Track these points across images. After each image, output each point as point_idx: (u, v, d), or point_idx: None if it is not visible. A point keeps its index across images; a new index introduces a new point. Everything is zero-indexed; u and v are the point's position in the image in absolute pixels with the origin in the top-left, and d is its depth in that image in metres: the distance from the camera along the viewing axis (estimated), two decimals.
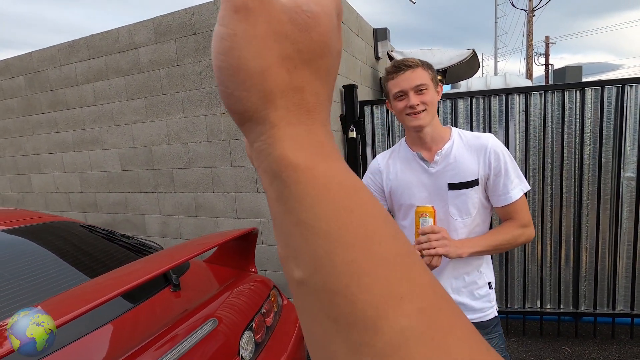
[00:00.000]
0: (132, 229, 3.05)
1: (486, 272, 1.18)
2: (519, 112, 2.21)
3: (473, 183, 1.10)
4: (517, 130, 2.22)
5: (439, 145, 1.12)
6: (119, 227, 3.12)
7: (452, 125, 2.34)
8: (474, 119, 2.26)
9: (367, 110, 2.38)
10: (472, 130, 2.27)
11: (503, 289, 2.39)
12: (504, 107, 2.21)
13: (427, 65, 1.08)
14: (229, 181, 2.56)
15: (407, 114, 1.06)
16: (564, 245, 2.28)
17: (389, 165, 1.21)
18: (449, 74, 3.06)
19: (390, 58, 3.12)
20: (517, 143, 2.23)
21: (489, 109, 2.23)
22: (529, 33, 16.78)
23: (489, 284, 1.17)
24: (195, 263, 1.62)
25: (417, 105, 1.04)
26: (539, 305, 2.36)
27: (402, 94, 1.06)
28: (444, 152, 1.10)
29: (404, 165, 1.17)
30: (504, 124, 2.23)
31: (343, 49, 2.46)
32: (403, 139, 1.21)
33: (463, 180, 1.09)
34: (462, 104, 2.27)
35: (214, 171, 2.61)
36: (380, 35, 3.24)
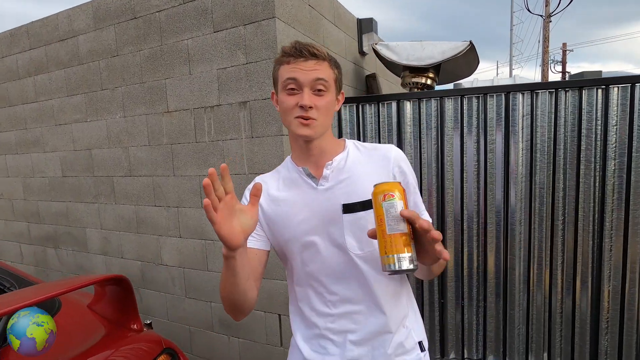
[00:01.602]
0: (74, 244, 2.67)
1: (414, 327, 0.88)
2: (523, 116, 1.74)
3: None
4: (520, 139, 1.75)
5: (330, 158, 0.85)
6: (60, 241, 2.74)
7: (437, 133, 1.90)
8: (465, 123, 1.80)
9: None
10: (462, 138, 1.81)
11: (500, 338, 1.90)
12: (503, 109, 1.75)
13: (335, 64, 0.83)
14: (171, 193, 2.15)
15: (296, 117, 0.79)
16: (580, 286, 1.79)
17: (267, 188, 0.88)
18: (444, 72, 2.61)
19: (377, 53, 2.68)
20: (521, 155, 1.76)
21: (484, 111, 1.77)
22: (545, 39, 16.15)
23: (420, 344, 0.88)
24: (71, 307, 1.20)
25: (310, 108, 0.77)
26: None
27: (296, 88, 0.79)
28: (335, 164, 0.84)
29: (287, 187, 0.88)
30: (502, 130, 1.76)
31: (309, 37, 2.03)
32: (288, 157, 0.92)
33: (360, 200, 0.80)
34: (450, 105, 1.81)
35: (156, 180, 2.20)
36: (365, 26, 2.81)
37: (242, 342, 2.06)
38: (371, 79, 3.03)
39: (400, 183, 0.68)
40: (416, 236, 0.65)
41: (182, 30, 1.97)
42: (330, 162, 0.83)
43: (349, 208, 0.80)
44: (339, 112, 1.94)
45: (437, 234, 0.62)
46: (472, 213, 1.82)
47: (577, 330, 1.81)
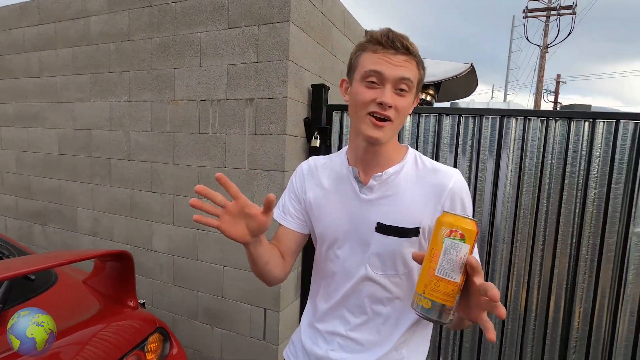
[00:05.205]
0: (63, 222, 2.66)
1: (410, 356, 0.82)
2: (515, 140, 1.84)
3: (410, 232, 0.76)
4: (510, 161, 1.85)
5: (383, 168, 0.80)
6: (49, 218, 2.72)
7: (433, 148, 1.98)
8: (460, 142, 1.89)
9: (335, 116, 2.01)
10: (455, 156, 1.90)
11: (475, 350, 1.98)
12: (496, 132, 1.84)
13: (422, 65, 0.77)
14: (169, 180, 2.18)
15: (370, 113, 0.72)
16: (553, 306, 1.88)
17: (318, 172, 0.87)
18: (443, 90, 2.72)
19: None
20: (509, 176, 1.86)
21: (479, 132, 1.87)
22: (541, 68, 16.65)
23: None
24: (67, 280, 1.23)
25: (390, 107, 0.71)
26: None
27: (377, 81, 0.71)
28: (385, 176, 0.79)
29: (332, 181, 0.84)
30: (495, 151, 1.85)
31: (319, 43, 2.10)
32: (345, 148, 0.87)
33: (397, 225, 0.76)
34: (447, 123, 1.90)
35: (154, 167, 2.23)
36: None
37: (225, 332, 2.09)
38: None
39: (476, 223, 0.56)
40: (465, 289, 0.56)
41: (196, 23, 2.01)
42: (380, 173, 0.78)
43: (383, 229, 0.77)
44: (342, 118, 2.00)
45: (495, 296, 0.51)
46: None
47: (548, 347, 1.91)
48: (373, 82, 0.71)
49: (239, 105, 1.94)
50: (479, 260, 0.54)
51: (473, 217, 0.75)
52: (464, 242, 0.54)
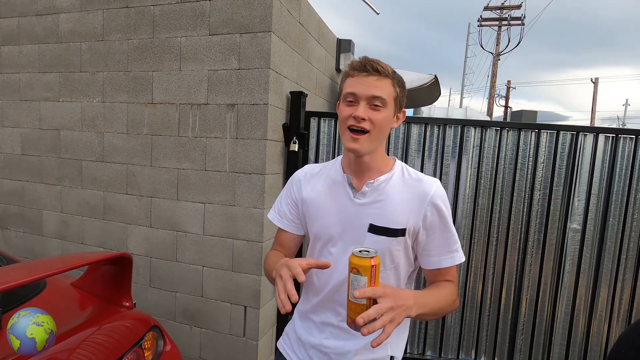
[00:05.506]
0: (26, 226, 2.55)
1: (393, 341, 0.93)
2: (474, 147, 2.05)
3: (398, 233, 0.89)
4: (470, 166, 2.07)
5: (373, 176, 0.90)
6: (9, 221, 2.60)
7: (402, 153, 2.16)
8: (427, 148, 2.08)
9: (313, 122, 2.12)
10: (422, 160, 2.08)
11: (438, 336, 2.19)
12: (458, 139, 2.05)
13: (398, 82, 0.86)
14: (146, 182, 2.18)
15: (349, 127, 0.84)
16: (505, 294, 2.13)
17: (313, 179, 0.98)
18: (409, 98, 2.91)
19: None
20: (469, 179, 2.07)
21: (443, 139, 2.06)
22: (494, 75, 17.80)
23: (392, 359, 0.93)
24: (57, 285, 1.24)
25: (363, 120, 0.82)
26: (473, 357, 2.18)
27: (353, 100, 0.84)
28: (376, 184, 0.90)
29: (328, 187, 0.95)
30: (457, 157, 2.06)
31: (296, 51, 2.20)
32: (340, 157, 0.99)
33: (386, 226, 0.87)
34: (415, 130, 2.08)
35: (130, 169, 2.22)
36: (344, 47, 3.04)
37: (205, 332, 2.14)
38: None
39: (374, 258, 0.70)
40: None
41: (176, 28, 2.04)
42: (372, 181, 0.89)
43: (374, 229, 0.88)
44: (319, 124, 2.12)
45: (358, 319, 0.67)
46: None
47: (500, 330, 2.15)
48: (351, 102, 0.84)
49: (220, 110, 2.00)
50: (366, 290, 0.69)
51: (453, 215, 0.90)
52: (362, 275, 0.70)
